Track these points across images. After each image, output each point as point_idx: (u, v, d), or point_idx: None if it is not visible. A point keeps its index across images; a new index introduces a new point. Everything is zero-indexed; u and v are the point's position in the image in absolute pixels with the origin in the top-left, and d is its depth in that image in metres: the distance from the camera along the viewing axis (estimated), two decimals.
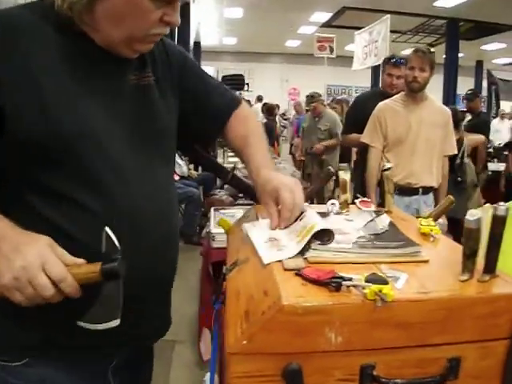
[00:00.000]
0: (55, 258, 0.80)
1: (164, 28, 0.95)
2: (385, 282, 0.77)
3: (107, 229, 0.83)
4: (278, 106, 15.28)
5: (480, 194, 4.45)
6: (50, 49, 0.90)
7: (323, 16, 13.84)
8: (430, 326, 0.78)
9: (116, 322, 0.82)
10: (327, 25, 14.35)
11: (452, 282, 0.83)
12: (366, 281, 0.77)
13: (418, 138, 2.99)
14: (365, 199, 1.49)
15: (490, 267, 0.85)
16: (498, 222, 0.83)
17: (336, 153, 5.89)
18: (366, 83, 16.76)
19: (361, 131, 3.61)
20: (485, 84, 10.70)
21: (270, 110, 10.32)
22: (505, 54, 17.27)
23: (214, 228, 2.68)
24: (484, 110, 7.68)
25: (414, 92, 3.04)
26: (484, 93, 10.06)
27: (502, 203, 0.83)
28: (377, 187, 2.84)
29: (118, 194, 0.94)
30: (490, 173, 5.44)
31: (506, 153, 5.58)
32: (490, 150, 3.52)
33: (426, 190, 3.06)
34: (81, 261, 0.83)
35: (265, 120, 10.68)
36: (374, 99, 3.65)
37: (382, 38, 8.46)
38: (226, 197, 3.84)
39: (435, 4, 11.34)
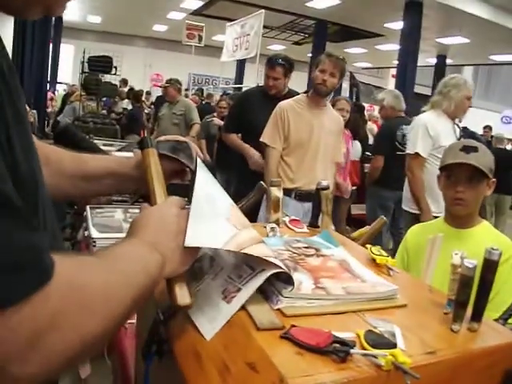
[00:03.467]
0: None
1: None
2: (392, 345, 0.66)
3: None
4: (148, 93, 14.68)
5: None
6: None
7: (194, 3, 13.62)
8: None
9: None
10: (197, 13, 14.17)
11: (447, 335, 0.76)
12: (369, 343, 0.66)
13: (319, 143, 2.94)
14: (294, 218, 1.39)
15: (479, 315, 0.79)
16: (491, 267, 0.78)
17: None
18: (231, 75, 16.90)
19: (242, 131, 3.55)
20: (345, 85, 11.39)
21: (136, 97, 9.79)
22: (365, 58, 18.72)
23: (94, 232, 2.33)
24: None
25: (320, 95, 2.95)
26: (344, 93, 10.67)
27: (495, 246, 0.77)
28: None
29: None
30: None
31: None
32: None
33: None
34: None
35: (130, 106, 10.18)
36: (259, 97, 3.58)
37: (255, 33, 8.52)
38: None
39: (307, 4, 11.75)
